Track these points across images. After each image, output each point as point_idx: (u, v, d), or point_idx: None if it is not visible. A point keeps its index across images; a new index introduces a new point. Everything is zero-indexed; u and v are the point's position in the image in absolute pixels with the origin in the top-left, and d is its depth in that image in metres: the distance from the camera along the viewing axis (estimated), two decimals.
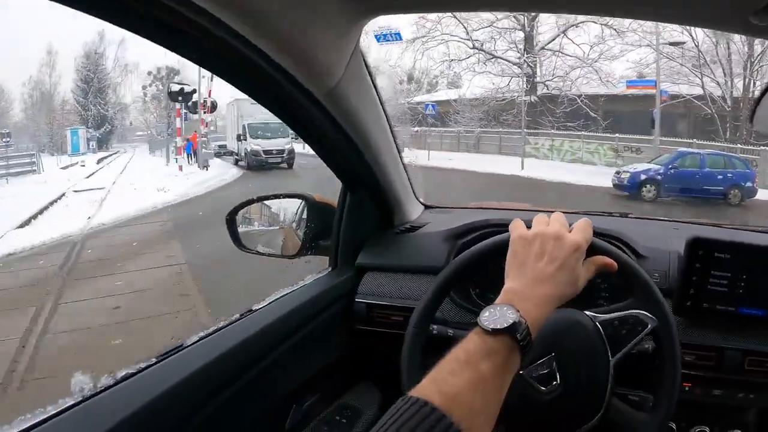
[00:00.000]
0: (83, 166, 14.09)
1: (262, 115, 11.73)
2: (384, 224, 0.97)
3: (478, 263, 0.64)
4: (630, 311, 0.62)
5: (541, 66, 15.63)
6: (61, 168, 14.15)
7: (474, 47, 16.03)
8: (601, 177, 10.08)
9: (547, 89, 15.20)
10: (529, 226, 0.52)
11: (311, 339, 0.77)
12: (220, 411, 0.59)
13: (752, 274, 0.73)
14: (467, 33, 15.81)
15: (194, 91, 12.21)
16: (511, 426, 0.57)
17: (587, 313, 0.62)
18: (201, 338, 0.64)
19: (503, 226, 0.83)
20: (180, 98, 12.17)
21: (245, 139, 12.98)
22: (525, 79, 15.48)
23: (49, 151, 18.81)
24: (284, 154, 12.53)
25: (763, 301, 0.73)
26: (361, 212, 0.92)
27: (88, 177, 11.88)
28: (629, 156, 12.06)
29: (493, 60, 16.38)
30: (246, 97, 0.65)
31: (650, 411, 0.58)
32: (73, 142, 18.76)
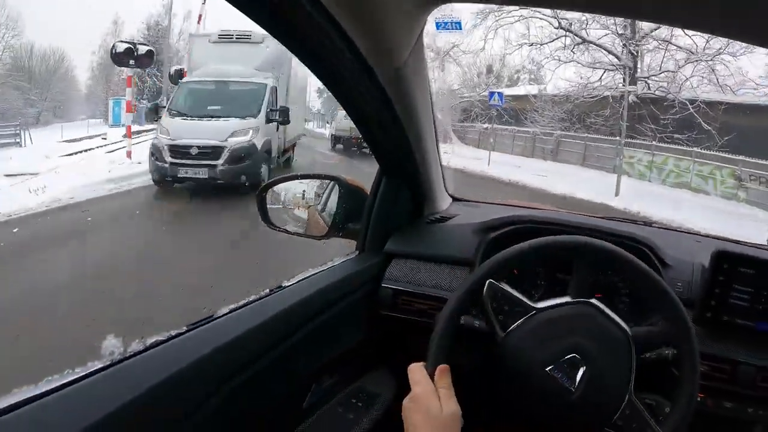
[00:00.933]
0: (104, 139, 14.27)
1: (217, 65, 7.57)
2: (415, 213, 1.10)
3: (536, 257, 0.75)
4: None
5: (642, 58, 13.99)
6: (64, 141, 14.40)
7: (560, 27, 14.70)
8: (724, 218, 8.05)
9: (649, 88, 13.76)
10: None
11: (336, 321, 0.89)
12: (244, 385, 0.67)
13: None
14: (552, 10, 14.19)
15: (151, 52, 9.11)
16: (534, 422, 0.67)
17: (618, 321, 0.71)
18: (231, 310, 0.73)
19: (534, 223, 1.00)
20: (131, 62, 8.85)
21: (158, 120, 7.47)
22: (626, 72, 13.92)
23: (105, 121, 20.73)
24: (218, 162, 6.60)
25: None
26: (394, 199, 1.04)
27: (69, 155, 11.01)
28: (755, 189, 10.18)
29: (583, 46, 14.92)
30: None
31: (665, 418, 0.67)
32: (114, 112, 19.15)
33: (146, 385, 0.54)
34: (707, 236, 1.17)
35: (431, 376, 0.63)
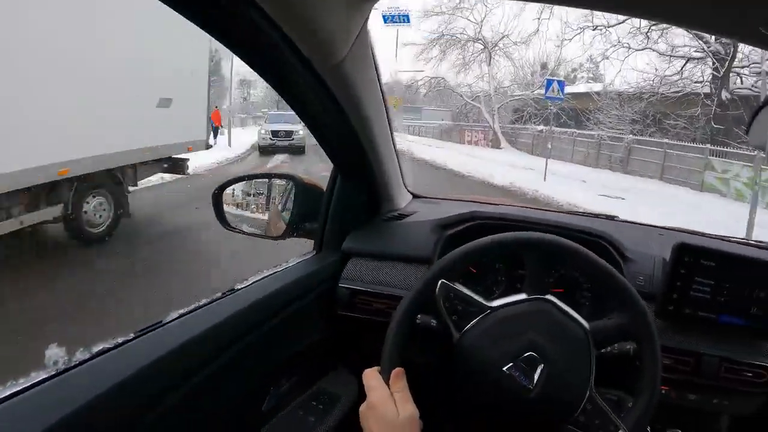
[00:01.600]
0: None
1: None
2: (372, 211, 1.17)
3: (491, 253, 0.80)
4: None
5: (738, 44, 12.46)
6: None
7: None
8: None
9: (742, 82, 12.49)
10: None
11: (292, 322, 0.96)
12: (197, 390, 0.71)
13: (735, 284, 0.90)
14: None
15: None
16: (493, 422, 0.72)
17: (576, 316, 0.77)
18: (181, 315, 0.77)
19: (491, 219, 1.07)
20: None
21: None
22: (717, 62, 12.35)
23: None
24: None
25: (744, 311, 0.90)
26: (350, 197, 1.12)
27: None
28: None
29: (660, 29, 13.48)
30: None
31: (627, 412, 0.72)
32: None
33: (89, 396, 0.56)
34: (671, 229, 1.23)
35: (387, 379, 0.69)
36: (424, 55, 24.59)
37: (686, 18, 0.66)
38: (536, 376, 0.70)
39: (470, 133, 24.89)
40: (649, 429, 0.92)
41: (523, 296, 0.78)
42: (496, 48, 22.52)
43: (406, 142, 22.42)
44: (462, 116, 26.02)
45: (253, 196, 1.15)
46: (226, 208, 1.12)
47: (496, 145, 22.27)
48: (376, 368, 0.72)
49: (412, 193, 1.34)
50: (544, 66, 21.81)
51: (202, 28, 0.61)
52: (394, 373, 0.70)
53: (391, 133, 1.09)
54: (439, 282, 0.76)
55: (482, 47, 22.73)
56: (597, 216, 1.28)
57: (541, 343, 0.72)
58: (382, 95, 0.99)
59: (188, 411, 0.70)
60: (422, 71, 25.62)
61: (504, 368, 0.71)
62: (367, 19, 0.78)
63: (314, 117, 0.91)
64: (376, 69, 0.93)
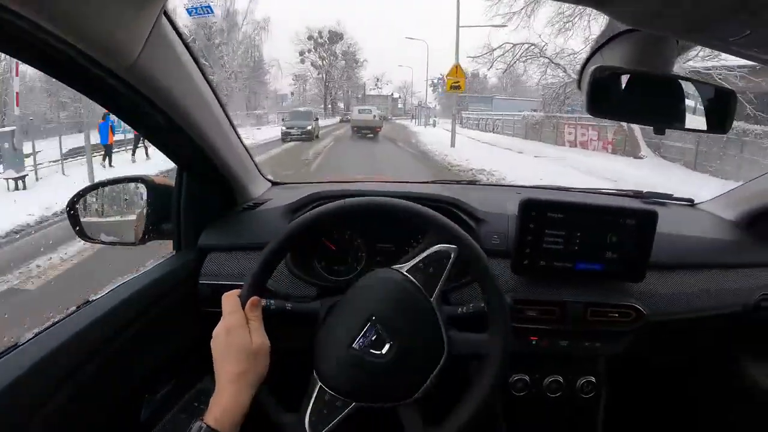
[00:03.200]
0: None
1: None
2: (228, 203, 1.17)
3: (302, 234, 0.83)
4: (430, 249, 0.79)
5: None
6: None
7: None
8: None
9: None
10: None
11: (155, 325, 0.95)
12: (64, 406, 0.72)
13: (586, 232, 0.95)
14: None
15: None
16: (364, 398, 0.73)
17: (392, 268, 0.80)
18: (36, 334, 0.77)
19: (333, 198, 1.06)
20: None
21: None
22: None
23: None
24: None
25: (599, 257, 0.97)
26: (200, 192, 1.11)
27: None
28: None
29: None
30: None
31: (489, 331, 0.76)
32: None
33: None
34: (531, 187, 1.29)
35: (244, 306, 0.76)
36: (498, 9, 17.48)
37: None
38: (386, 341, 0.72)
39: (573, 129, 16.28)
40: (528, 379, 1.05)
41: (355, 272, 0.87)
42: None
43: (468, 139, 19.38)
44: (557, 103, 17.17)
45: (109, 203, 1.13)
46: (84, 218, 1.10)
47: (632, 151, 13.83)
48: (235, 291, 0.78)
49: (271, 181, 1.36)
50: None
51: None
52: (251, 302, 0.75)
53: (230, 122, 1.08)
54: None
55: None
56: (459, 182, 1.38)
57: (375, 308, 0.74)
58: (210, 87, 0.97)
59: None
60: (504, 26, 17.42)
61: (354, 345, 0.73)
62: (161, 11, 0.75)
63: (133, 117, 0.88)
64: (195, 60, 0.91)
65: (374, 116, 23.37)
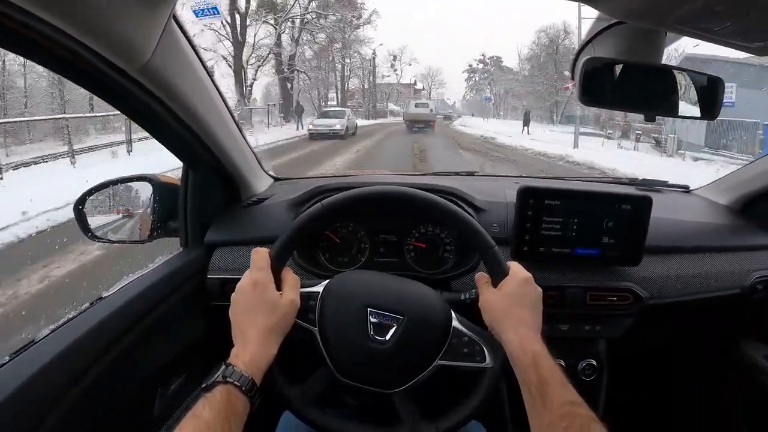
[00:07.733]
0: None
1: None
2: (232, 199, 1.21)
3: (337, 212, 0.86)
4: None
5: None
6: None
7: None
8: None
9: None
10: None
11: (166, 320, 0.98)
12: (81, 401, 0.73)
13: (583, 218, 0.99)
14: None
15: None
16: (362, 379, 0.76)
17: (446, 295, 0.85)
18: (52, 331, 0.79)
19: (337, 191, 1.10)
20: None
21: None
22: None
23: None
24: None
25: (596, 242, 1.00)
26: (206, 189, 1.14)
27: None
28: None
29: None
30: None
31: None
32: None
33: None
34: (528, 177, 1.36)
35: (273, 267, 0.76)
36: None
37: None
38: (390, 332, 0.75)
39: None
40: None
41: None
42: None
43: None
44: None
45: (117, 202, 1.16)
46: (92, 218, 1.13)
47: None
48: (264, 249, 0.77)
49: (273, 177, 1.40)
50: None
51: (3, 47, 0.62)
52: (287, 268, 0.77)
53: (234, 120, 1.11)
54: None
55: None
56: (458, 174, 1.39)
57: (374, 299, 0.77)
58: (215, 86, 1.00)
59: (71, 429, 0.71)
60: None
61: (360, 330, 0.76)
62: (171, 13, 0.78)
63: (142, 117, 0.91)
64: (201, 60, 0.94)
65: (430, 110, 26.49)
